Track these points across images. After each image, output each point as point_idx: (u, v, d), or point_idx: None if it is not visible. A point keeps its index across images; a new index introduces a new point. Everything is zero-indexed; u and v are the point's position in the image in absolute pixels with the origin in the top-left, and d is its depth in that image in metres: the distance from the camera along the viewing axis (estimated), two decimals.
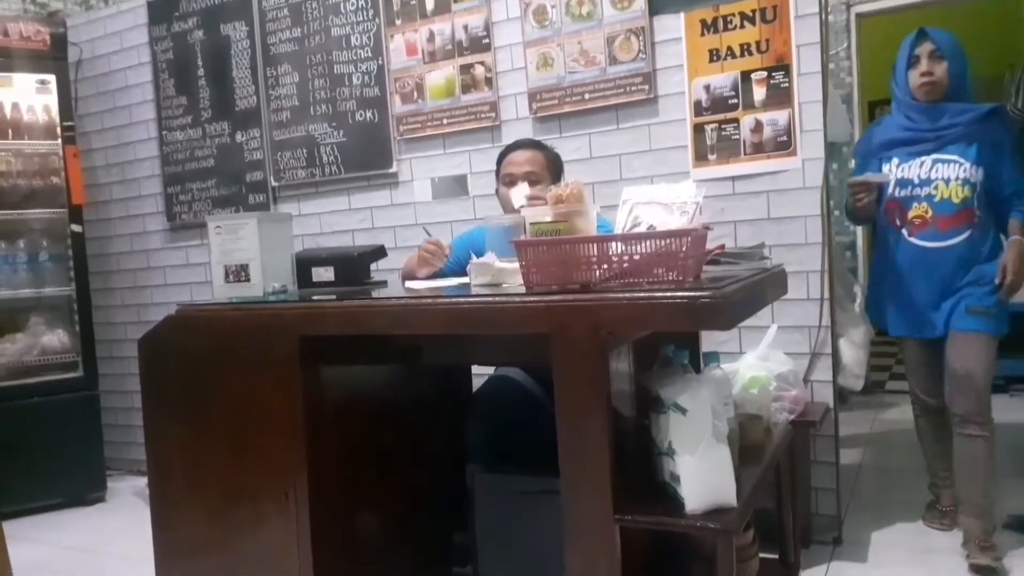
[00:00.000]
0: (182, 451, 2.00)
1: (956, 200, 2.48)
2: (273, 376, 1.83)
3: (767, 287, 1.85)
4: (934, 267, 2.52)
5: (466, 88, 3.20)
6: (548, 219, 1.61)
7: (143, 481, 2.66)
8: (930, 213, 2.51)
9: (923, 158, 2.53)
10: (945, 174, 2.50)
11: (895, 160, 2.58)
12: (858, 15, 5.03)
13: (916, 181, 2.53)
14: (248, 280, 2.07)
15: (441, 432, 2.25)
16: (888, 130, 2.65)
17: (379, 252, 2.35)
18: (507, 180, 2.46)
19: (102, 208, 4.22)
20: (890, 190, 2.57)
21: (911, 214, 2.53)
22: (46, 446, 3.66)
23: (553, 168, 2.53)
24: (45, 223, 3.88)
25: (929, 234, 2.52)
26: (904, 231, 2.55)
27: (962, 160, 2.48)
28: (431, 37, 3.25)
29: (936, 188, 2.50)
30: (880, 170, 2.61)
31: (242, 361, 1.88)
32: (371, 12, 3.37)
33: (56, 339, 3.84)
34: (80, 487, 3.77)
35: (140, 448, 2.18)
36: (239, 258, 2.08)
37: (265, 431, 1.85)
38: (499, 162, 2.55)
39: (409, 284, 2.31)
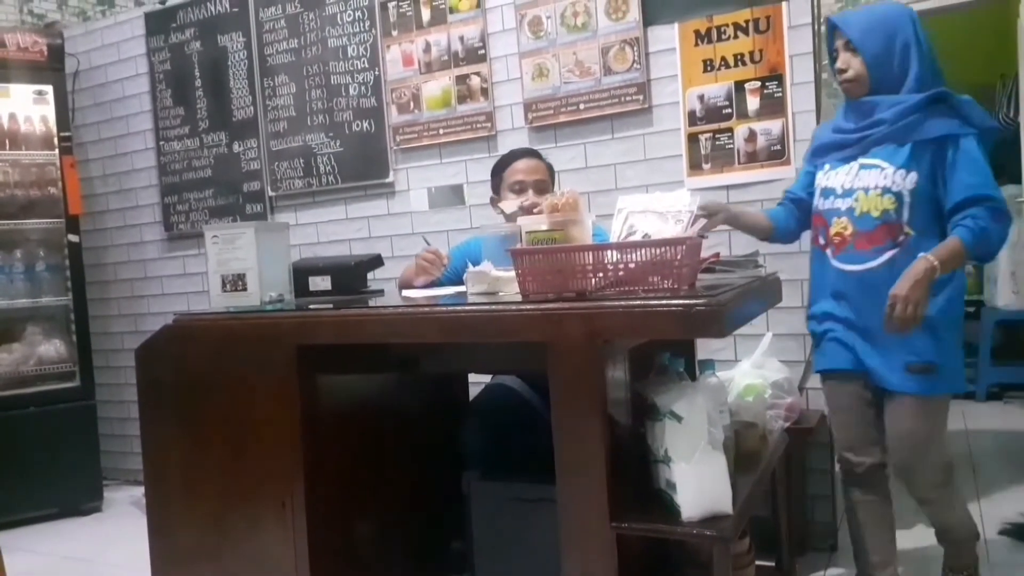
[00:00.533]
0: (179, 460, 2.00)
1: (875, 213, 1.99)
2: (270, 385, 1.83)
3: (762, 295, 1.86)
4: (855, 295, 2.03)
5: (462, 98, 3.22)
6: (544, 228, 1.62)
7: (139, 491, 2.66)
8: (849, 229, 2.03)
9: (850, 164, 2.06)
10: (866, 182, 2.01)
11: (826, 167, 2.13)
12: None
13: (839, 191, 2.06)
14: (245, 289, 2.08)
15: (438, 440, 2.26)
16: (824, 132, 2.21)
17: (376, 261, 2.36)
18: (517, 188, 2.46)
19: (99, 218, 4.22)
20: (815, 200, 2.14)
21: (832, 230, 2.06)
22: (42, 456, 3.65)
23: (552, 177, 2.56)
24: (42, 233, 3.89)
25: (848, 255, 2.03)
26: (828, 251, 2.08)
27: (885, 164, 1.99)
28: (427, 48, 3.27)
29: (856, 199, 2.02)
30: (815, 178, 2.17)
31: (239, 370, 1.89)
32: (367, 23, 3.39)
33: (53, 349, 3.84)
34: (76, 497, 3.76)
35: (136, 458, 2.18)
36: (236, 268, 2.09)
37: (262, 440, 1.86)
38: (497, 172, 2.55)
39: (406, 293, 2.32)
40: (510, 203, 2.36)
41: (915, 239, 1.95)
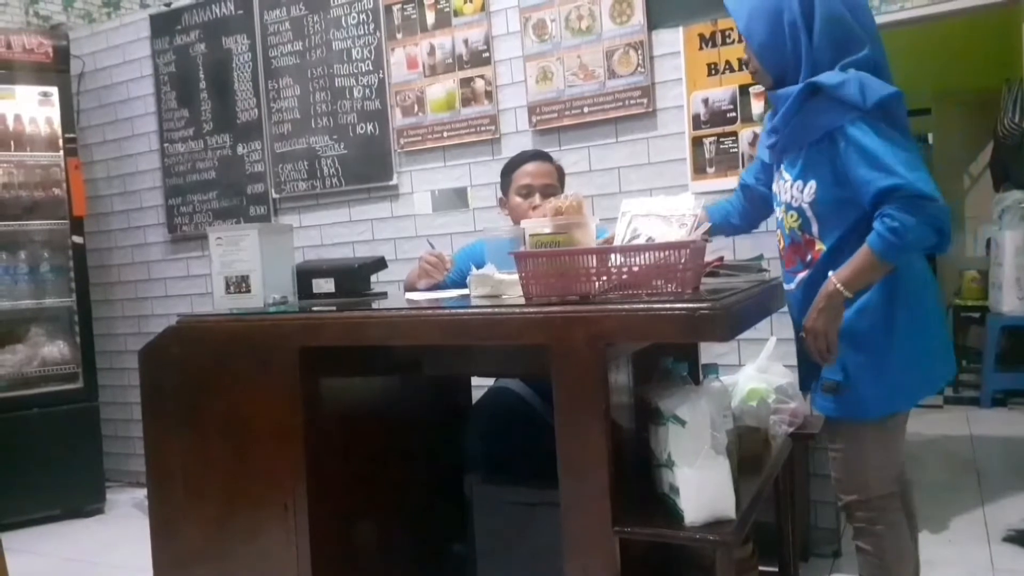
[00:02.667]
0: (181, 462, 2.00)
1: (786, 230, 1.84)
2: (273, 387, 1.83)
3: (766, 299, 1.85)
4: (793, 314, 1.89)
5: (466, 101, 3.22)
6: (547, 231, 1.62)
7: (142, 493, 2.66)
8: (781, 244, 1.89)
9: (777, 171, 1.88)
10: (779, 195, 1.86)
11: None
12: None
13: (778, 199, 1.89)
14: (249, 291, 2.08)
15: (440, 443, 2.25)
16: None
17: (379, 264, 2.36)
18: (524, 192, 2.46)
19: (103, 220, 4.23)
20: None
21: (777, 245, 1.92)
22: (45, 457, 3.66)
23: (562, 179, 2.54)
24: (46, 234, 3.90)
25: (785, 272, 1.90)
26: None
27: (787, 176, 1.82)
28: (432, 51, 3.28)
29: (781, 212, 1.86)
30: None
31: (242, 372, 1.88)
32: (372, 26, 3.39)
33: (56, 350, 3.85)
34: (79, 499, 3.77)
35: (139, 460, 2.18)
36: (240, 269, 2.09)
37: (264, 442, 1.86)
38: (506, 172, 2.55)
39: (409, 296, 2.32)
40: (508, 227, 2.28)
41: (826, 255, 1.73)
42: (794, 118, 1.74)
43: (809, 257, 1.78)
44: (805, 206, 1.76)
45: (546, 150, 2.91)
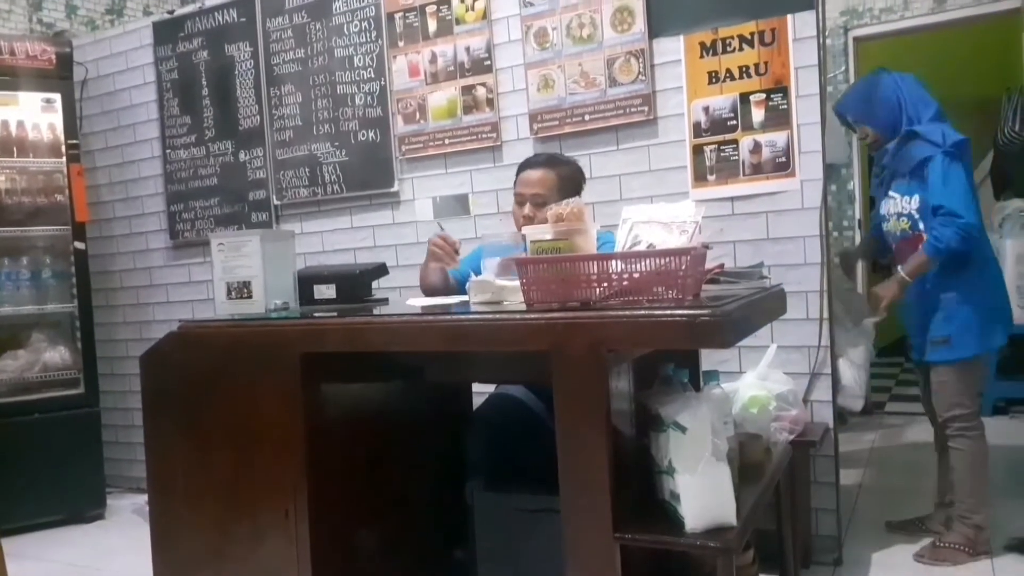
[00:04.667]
0: (182, 468, 2.00)
1: (898, 232, 2.74)
2: (274, 393, 1.83)
3: (766, 306, 1.86)
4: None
5: (468, 109, 3.23)
6: (548, 237, 1.62)
7: (143, 499, 2.66)
8: (893, 246, 2.82)
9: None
10: (889, 210, 2.77)
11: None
12: (856, 39, 5.08)
13: (886, 215, 2.82)
14: (250, 297, 2.09)
15: (442, 449, 2.26)
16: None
17: (381, 270, 2.36)
18: (518, 199, 2.46)
19: (105, 226, 4.24)
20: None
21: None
22: (46, 463, 3.66)
23: (568, 185, 2.42)
24: (48, 240, 3.91)
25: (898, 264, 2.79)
26: None
27: (895, 195, 2.74)
28: (433, 58, 3.29)
29: (892, 222, 2.77)
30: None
31: (243, 378, 1.89)
32: (374, 34, 3.41)
33: (58, 356, 3.85)
34: (80, 504, 3.76)
35: (140, 465, 2.19)
36: (242, 275, 2.10)
37: (266, 448, 1.86)
38: (517, 171, 2.51)
39: (411, 302, 2.32)
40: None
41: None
42: (898, 153, 2.68)
43: (921, 247, 2.61)
44: (914, 212, 2.65)
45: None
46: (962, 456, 2.65)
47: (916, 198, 2.63)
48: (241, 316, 2.04)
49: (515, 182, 2.49)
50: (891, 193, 2.75)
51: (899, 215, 2.70)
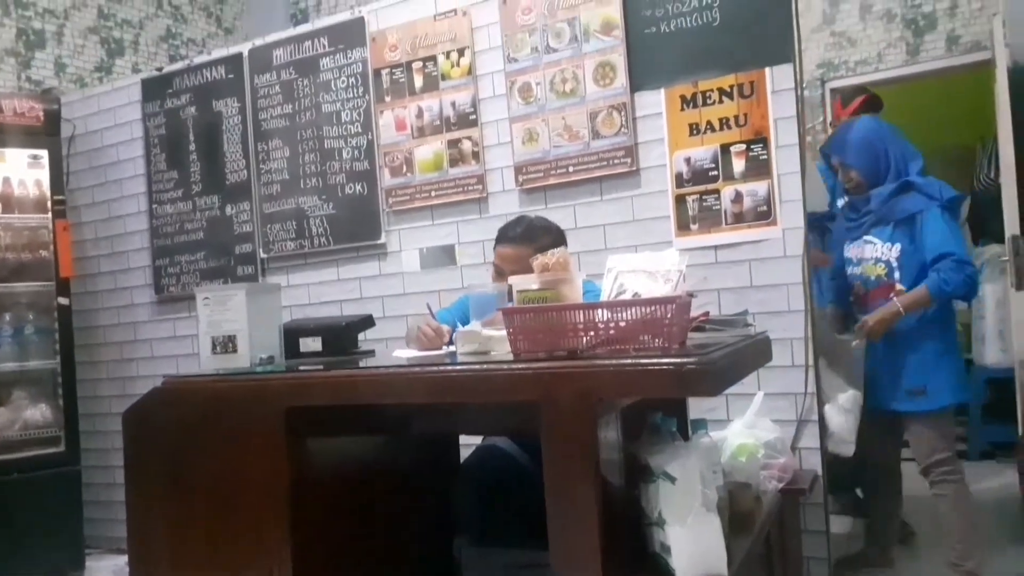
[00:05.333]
0: (164, 527, 1.96)
1: (872, 278, 2.79)
2: (258, 448, 1.81)
3: (752, 354, 1.87)
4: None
5: (454, 162, 3.27)
6: (535, 287, 1.63)
7: (122, 560, 2.59)
8: (862, 291, 2.87)
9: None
10: (861, 255, 2.84)
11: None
12: (833, 90, 5.19)
13: (854, 261, 2.91)
14: (235, 351, 2.07)
15: (429, 504, 2.22)
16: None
17: (367, 322, 2.36)
18: (496, 270, 2.46)
19: (90, 281, 4.22)
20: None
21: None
22: (25, 523, 3.57)
23: (557, 243, 2.36)
24: (32, 296, 3.88)
25: (864, 309, 2.86)
26: None
27: (874, 240, 2.80)
28: (420, 113, 3.33)
29: (864, 267, 2.85)
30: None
31: (227, 434, 1.86)
32: (361, 89, 3.46)
33: (39, 413, 3.80)
34: (59, 565, 3.67)
35: (120, 525, 2.13)
36: (227, 329, 2.09)
37: (250, 506, 1.82)
38: (496, 238, 2.51)
39: (397, 353, 2.31)
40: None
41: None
42: (889, 201, 2.73)
43: (892, 295, 2.69)
44: (893, 260, 2.72)
45: (533, 208, 2.97)
46: (948, 501, 2.68)
47: (898, 247, 2.70)
48: (226, 371, 2.02)
49: (494, 247, 2.50)
50: (869, 238, 2.79)
51: (877, 260, 2.76)
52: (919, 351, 2.68)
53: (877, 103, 3.27)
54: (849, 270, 2.87)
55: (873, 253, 2.77)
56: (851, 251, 2.86)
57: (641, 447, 1.66)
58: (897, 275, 2.70)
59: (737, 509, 1.87)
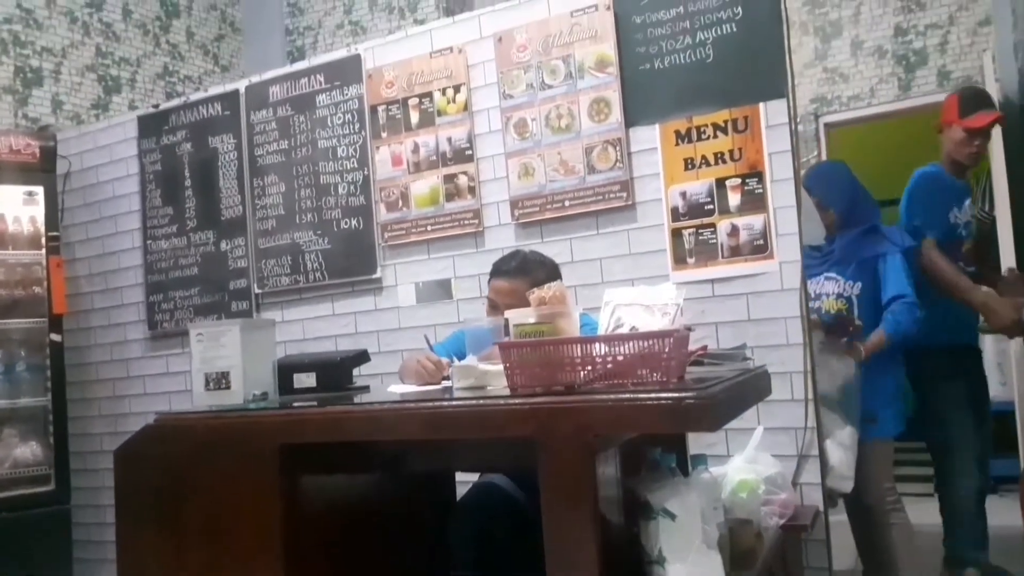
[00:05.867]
0: (156, 566, 1.92)
1: (832, 311, 2.93)
2: (252, 486, 1.78)
3: (751, 388, 1.85)
4: None
5: (450, 196, 3.27)
6: (531, 321, 1.61)
7: None
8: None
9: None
10: (821, 290, 2.97)
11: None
12: (826, 124, 5.25)
13: (815, 294, 3.00)
14: (229, 387, 2.05)
15: (425, 542, 2.19)
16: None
17: (362, 357, 2.34)
18: (490, 303, 2.46)
19: (83, 317, 4.20)
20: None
21: None
22: (13, 563, 3.50)
23: (551, 277, 2.29)
24: (24, 333, 3.85)
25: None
26: None
27: (836, 276, 2.94)
28: (416, 149, 3.35)
29: (826, 301, 2.97)
30: None
31: (220, 471, 1.83)
32: (357, 126, 3.47)
33: (29, 451, 3.75)
34: None
35: (111, 565, 2.09)
36: (220, 365, 2.06)
37: (243, 544, 1.79)
38: (491, 273, 2.53)
39: (392, 388, 2.29)
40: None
41: (864, 329, 2.84)
42: (854, 243, 2.88)
43: (851, 329, 2.81)
44: (854, 298, 2.86)
45: (529, 242, 2.96)
46: (903, 529, 2.81)
47: (859, 285, 2.86)
48: (219, 407, 1.99)
49: (488, 282, 2.50)
50: (831, 275, 2.94)
51: (839, 296, 2.90)
52: (872, 381, 2.78)
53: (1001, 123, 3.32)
54: (813, 304, 2.91)
55: (835, 289, 2.91)
56: (811, 286, 2.92)
57: (640, 483, 1.64)
58: (857, 311, 2.85)
59: (738, 546, 1.84)
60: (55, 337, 3.84)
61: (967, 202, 3.11)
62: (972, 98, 3.14)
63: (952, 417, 3.02)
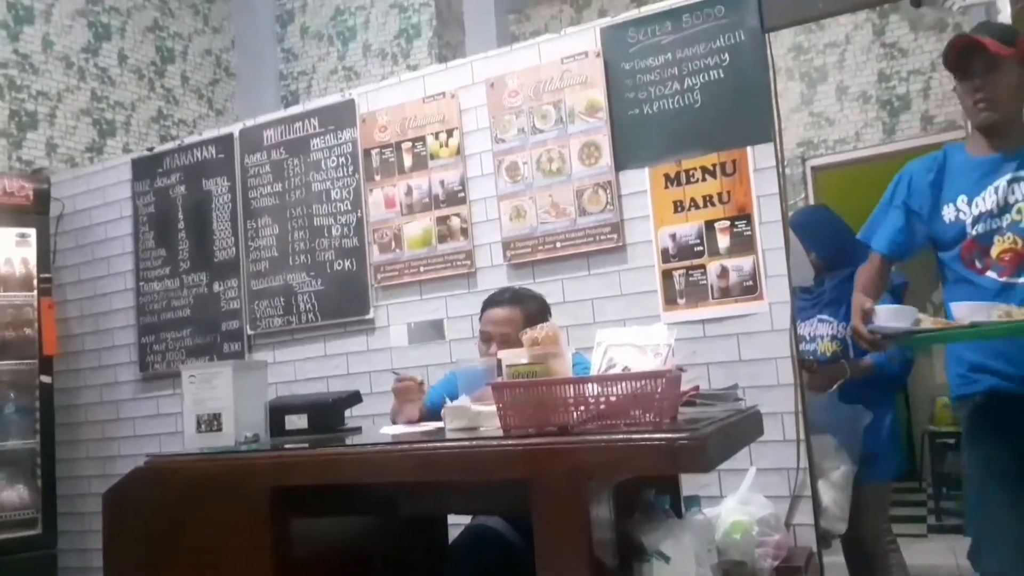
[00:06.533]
0: None
1: (828, 353, 2.87)
2: (242, 529, 1.76)
3: (743, 428, 1.85)
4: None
5: (442, 238, 3.30)
6: (524, 361, 1.62)
7: None
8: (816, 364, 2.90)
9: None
10: (814, 332, 2.94)
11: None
12: (813, 168, 5.33)
13: (809, 337, 2.97)
14: (220, 430, 2.05)
15: None
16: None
17: (354, 398, 2.34)
18: (484, 335, 2.46)
19: (73, 359, 4.17)
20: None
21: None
22: None
23: (535, 320, 2.29)
24: (13, 375, 3.83)
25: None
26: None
27: (828, 318, 2.89)
28: (409, 191, 3.38)
29: (821, 343, 2.92)
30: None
31: (210, 515, 1.81)
32: (351, 168, 3.51)
33: (16, 495, 3.70)
34: None
35: None
36: (212, 407, 2.07)
37: None
38: (482, 307, 2.56)
39: (384, 430, 2.28)
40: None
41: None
42: (843, 284, 2.73)
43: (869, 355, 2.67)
44: (848, 338, 2.76)
45: (521, 282, 2.97)
46: (900, 571, 2.79)
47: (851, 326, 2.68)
48: (210, 450, 1.99)
49: (480, 318, 2.52)
50: (823, 317, 2.90)
51: (833, 337, 2.86)
52: (871, 422, 2.73)
53: None
54: (801, 346, 2.88)
55: (828, 331, 2.88)
56: (804, 329, 2.92)
57: (634, 525, 1.63)
58: (852, 353, 2.79)
59: None
60: (45, 379, 3.82)
61: (1003, 180, 2.04)
62: (956, 40, 2.11)
63: None
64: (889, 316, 2.01)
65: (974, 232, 2.07)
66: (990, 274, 2.04)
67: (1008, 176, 2.05)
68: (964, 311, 1.91)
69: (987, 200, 2.06)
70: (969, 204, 2.09)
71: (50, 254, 4.00)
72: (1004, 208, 2.04)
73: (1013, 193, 2.04)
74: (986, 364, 2.06)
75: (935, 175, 2.18)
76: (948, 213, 2.12)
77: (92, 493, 3.94)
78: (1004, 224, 2.03)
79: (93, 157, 4.89)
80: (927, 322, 1.95)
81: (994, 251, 2.04)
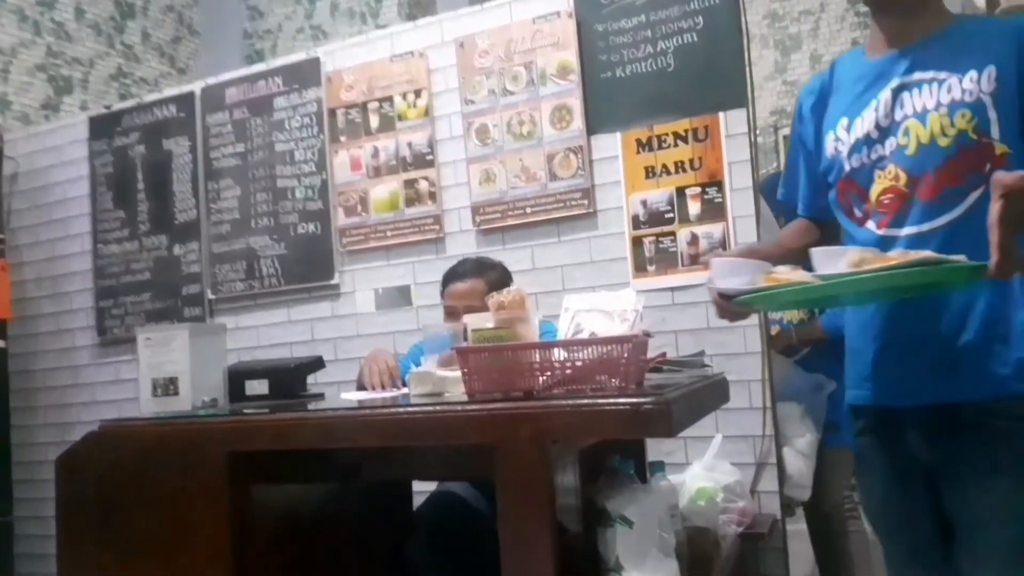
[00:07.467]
0: None
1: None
2: (199, 496, 1.72)
3: (709, 394, 1.84)
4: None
5: (410, 202, 3.24)
6: (490, 325, 1.59)
7: None
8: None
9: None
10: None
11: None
12: (785, 137, 5.32)
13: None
14: (177, 394, 1.99)
15: (383, 554, 2.14)
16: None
17: (317, 363, 2.29)
18: (449, 311, 2.43)
19: (30, 323, 4.06)
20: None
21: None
22: None
23: (498, 289, 2.40)
24: None
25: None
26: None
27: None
28: (375, 153, 3.31)
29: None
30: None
31: (166, 480, 1.77)
32: (315, 129, 3.42)
33: None
34: None
35: None
36: (168, 371, 2.01)
37: (189, 556, 1.73)
38: (443, 283, 2.52)
39: (346, 396, 2.24)
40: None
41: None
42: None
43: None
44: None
45: (489, 250, 2.94)
46: (860, 538, 2.80)
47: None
48: (165, 414, 1.93)
49: (442, 294, 2.48)
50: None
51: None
52: (836, 391, 2.67)
53: None
54: (770, 313, 2.82)
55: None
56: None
57: (598, 491, 1.62)
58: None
59: (696, 554, 1.83)
60: None
61: (887, 90, 1.50)
62: None
63: None
64: (724, 272, 1.54)
65: (849, 167, 1.53)
66: (869, 224, 1.50)
67: (895, 83, 1.49)
68: (818, 258, 1.36)
69: (867, 121, 1.51)
70: (848, 130, 1.54)
71: (3, 215, 3.88)
72: (887, 130, 1.49)
73: (901, 107, 1.48)
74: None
75: (817, 96, 1.64)
76: (828, 145, 1.58)
77: (49, 460, 3.84)
78: (887, 152, 1.48)
79: (49, 115, 4.74)
80: (761, 280, 1.39)
81: (873, 192, 1.49)
